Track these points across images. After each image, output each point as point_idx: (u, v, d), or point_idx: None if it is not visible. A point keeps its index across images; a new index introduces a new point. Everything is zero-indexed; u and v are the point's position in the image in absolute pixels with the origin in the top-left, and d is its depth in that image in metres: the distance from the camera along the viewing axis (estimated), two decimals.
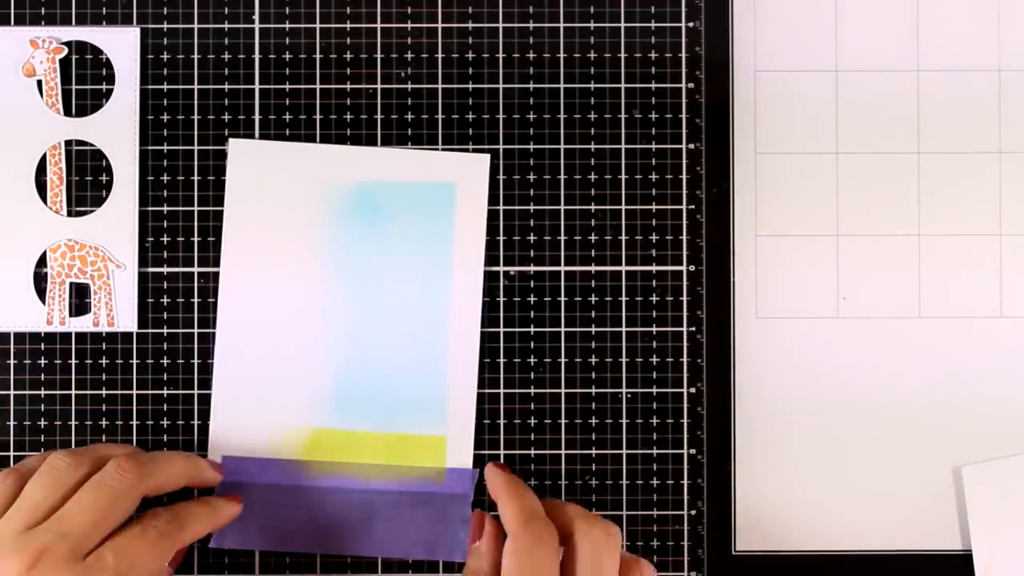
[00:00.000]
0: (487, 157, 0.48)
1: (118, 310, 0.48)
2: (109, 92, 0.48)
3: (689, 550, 0.49)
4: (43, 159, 0.48)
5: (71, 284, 0.48)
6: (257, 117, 0.49)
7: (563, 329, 0.49)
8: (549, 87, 0.49)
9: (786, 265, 0.49)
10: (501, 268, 0.49)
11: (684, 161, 0.49)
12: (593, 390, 0.49)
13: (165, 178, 0.49)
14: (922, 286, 0.49)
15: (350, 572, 0.49)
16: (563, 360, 0.49)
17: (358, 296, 0.48)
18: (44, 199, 0.48)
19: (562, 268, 0.49)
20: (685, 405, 0.49)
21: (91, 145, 0.48)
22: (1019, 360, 0.49)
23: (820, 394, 0.49)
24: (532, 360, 0.49)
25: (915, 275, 0.49)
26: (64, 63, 0.48)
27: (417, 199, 0.48)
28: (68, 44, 0.48)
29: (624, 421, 0.49)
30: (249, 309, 0.48)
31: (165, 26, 0.49)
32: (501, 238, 0.49)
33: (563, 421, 0.49)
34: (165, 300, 0.49)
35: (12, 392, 0.48)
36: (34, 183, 0.48)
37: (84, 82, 0.48)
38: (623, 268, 0.49)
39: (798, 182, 0.49)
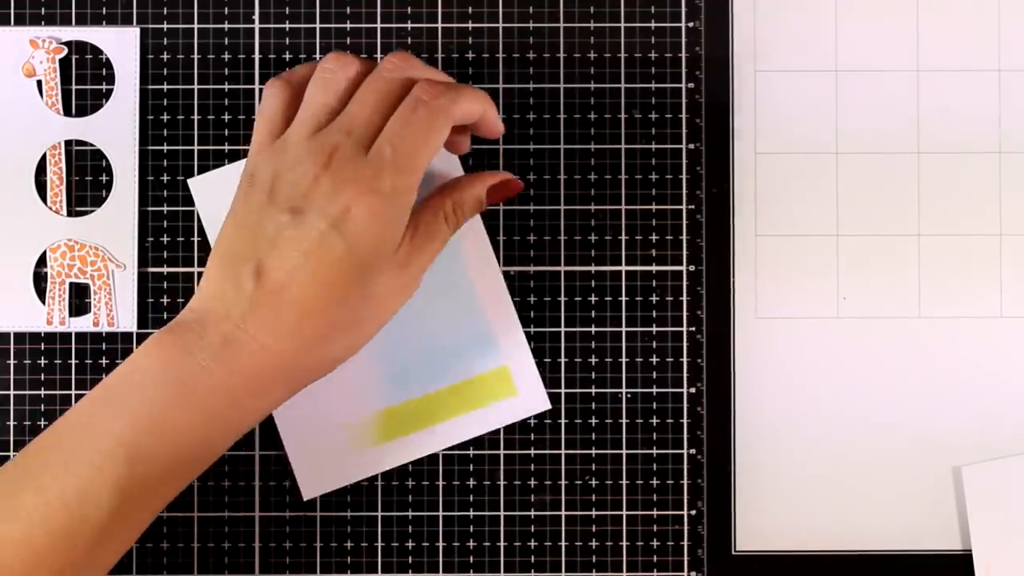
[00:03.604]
0: None
1: (118, 310, 0.48)
2: (109, 92, 0.48)
3: (689, 550, 0.49)
4: (43, 159, 0.48)
5: (71, 284, 0.48)
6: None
7: (563, 329, 0.49)
8: (549, 87, 0.49)
9: (786, 265, 0.49)
10: (501, 268, 0.49)
11: (684, 161, 0.49)
12: (593, 390, 0.49)
13: (165, 178, 0.49)
14: (922, 286, 0.49)
15: (350, 572, 0.49)
16: (563, 360, 0.49)
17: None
18: (44, 199, 0.48)
19: (562, 268, 0.49)
20: (685, 405, 0.49)
21: (91, 145, 0.48)
22: (1019, 360, 0.49)
23: (820, 394, 0.49)
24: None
25: (915, 275, 0.49)
26: (64, 63, 0.48)
27: None
28: (68, 44, 0.48)
29: (624, 421, 0.49)
30: None
31: (165, 26, 0.49)
32: (501, 238, 0.49)
33: (563, 421, 0.49)
34: (165, 300, 0.49)
35: (12, 392, 0.48)
36: (34, 183, 0.48)
37: (84, 82, 0.49)
38: (623, 268, 0.49)
39: (798, 182, 0.49)
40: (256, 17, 0.49)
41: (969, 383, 0.49)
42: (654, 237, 0.49)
